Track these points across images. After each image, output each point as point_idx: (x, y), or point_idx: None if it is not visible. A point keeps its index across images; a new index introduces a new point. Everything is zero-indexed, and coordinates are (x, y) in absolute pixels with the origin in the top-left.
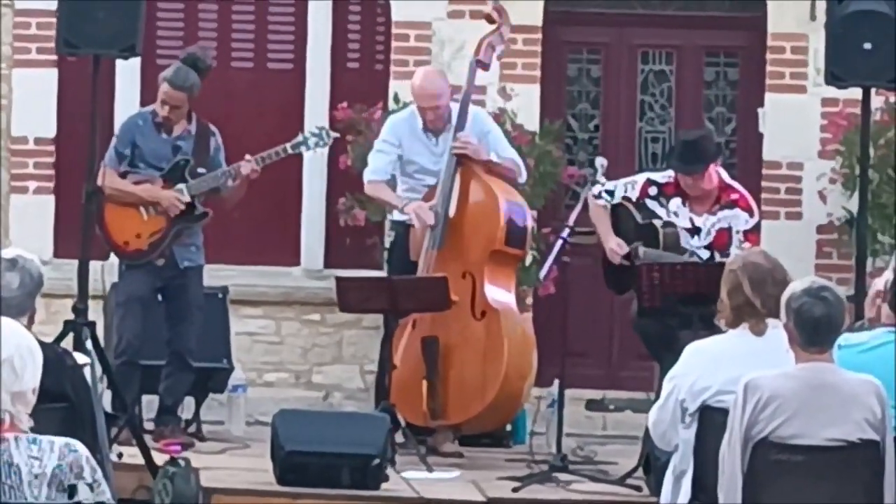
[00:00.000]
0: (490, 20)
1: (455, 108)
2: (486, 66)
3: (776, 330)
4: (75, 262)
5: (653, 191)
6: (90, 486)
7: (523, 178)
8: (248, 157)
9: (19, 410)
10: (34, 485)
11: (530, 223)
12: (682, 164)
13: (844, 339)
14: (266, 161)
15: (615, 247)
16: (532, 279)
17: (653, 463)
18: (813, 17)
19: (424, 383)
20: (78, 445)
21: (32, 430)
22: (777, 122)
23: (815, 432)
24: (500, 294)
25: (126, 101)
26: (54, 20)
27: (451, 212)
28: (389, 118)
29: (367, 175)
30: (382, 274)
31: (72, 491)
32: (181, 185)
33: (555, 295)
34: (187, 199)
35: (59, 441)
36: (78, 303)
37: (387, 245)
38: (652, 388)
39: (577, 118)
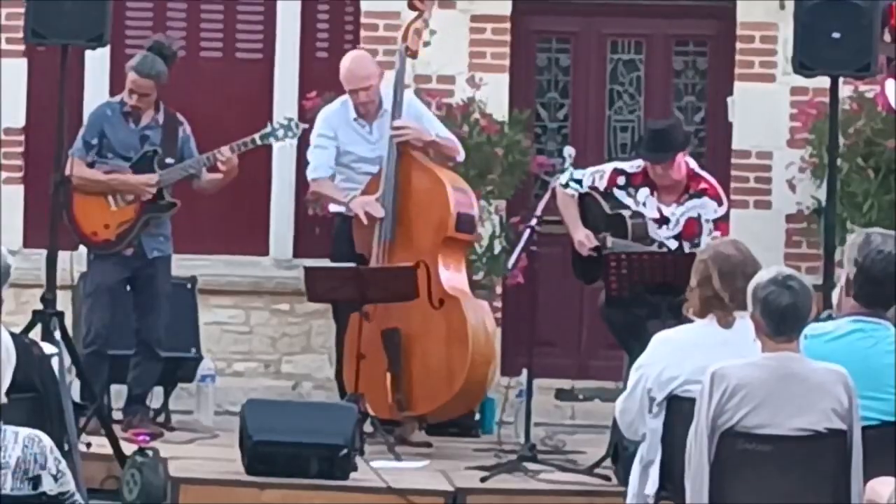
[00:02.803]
0: (412, 7)
1: (388, 96)
2: (415, 54)
3: (744, 320)
4: (45, 252)
5: (621, 181)
6: (54, 477)
7: (461, 156)
8: (220, 148)
9: None
10: None
11: (476, 207)
12: (651, 152)
13: (811, 328)
14: (234, 152)
15: (584, 239)
16: (500, 269)
17: (621, 452)
18: (782, 7)
19: (388, 375)
20: (42, 436)
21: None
22: (746, 111)
23: (781, 422)
24: (455, 280)
25: (95, 91)
26: (23, 10)
27: (398, 202)
28: (321, 111)
29: (310, 173)
30: (351, 264)
31: (36, 481)
32: (150, 175)
33: (523, 284)
34: (156, 180)
35: (23, 432)
36: (46, 293)
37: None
38: (621, 377)
39: (547, 107)
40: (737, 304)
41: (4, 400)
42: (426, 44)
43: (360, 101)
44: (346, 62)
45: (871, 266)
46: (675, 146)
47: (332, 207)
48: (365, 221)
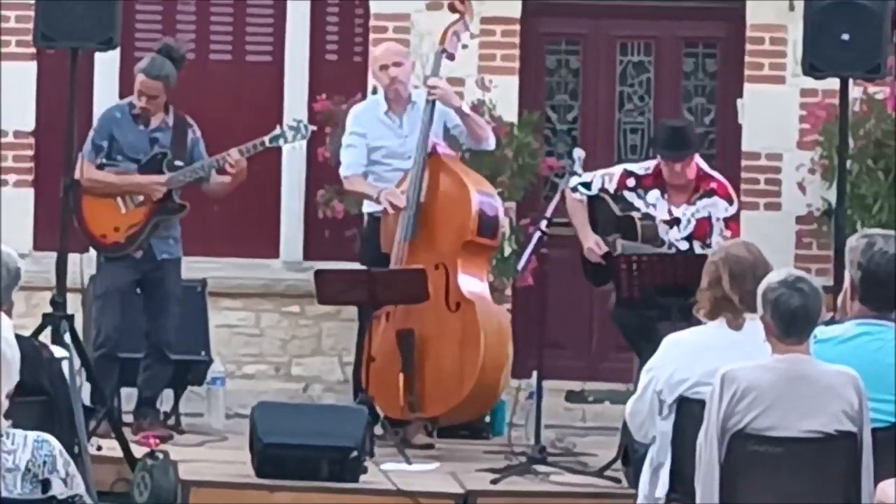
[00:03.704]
0: (453, 9)
1: (420, 98)
2: (452, 56)
3: (754, 322)
4: (55, 255)
5: (631, 182)
6: (63, 481)
7: (492, 141)
8: (229, 150)
9: None
10: (8, 479)
11: (502, 213)
12: (669, 150)
13: (820, 332)
14: (244, 154)
15: (593, 246)
16: (510, 271)
17: (631, 455)
18: (792, 8)
19: (401, 377)
20: (51, 440)
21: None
22: (756, 112)
23: (792, 424)
24: (473, 284)
25: (105, 93)
26: (33, 13)
27: (422, 201)
28: (352, 110)
29: (343, 171)
30: (361, 266)
31: (45, 485)
32: (160, 176)
33: (533, 286)
34: (166, 179)
35: (32, 435)
36: (56, 296)
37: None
38: (631, 379)
39: (556, 109)
40: (747, 305)
41: (6, 403)
42: (464, 47)
43: (392, 76)
44: (380, 46)
45: (876, 269)
46: (694, 144)
47: (365, 208)
48: (390, 211)
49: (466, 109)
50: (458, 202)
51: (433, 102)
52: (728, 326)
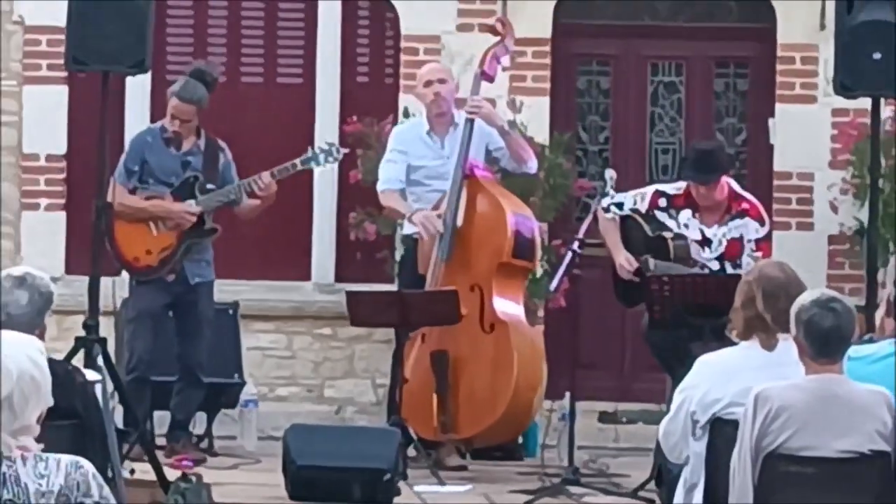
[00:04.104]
0: (494, 32)
1: (460, 118)
2: (490, 78)
3: (787, 342)
4: (87, 279)
5: (662, 202)
6: None
7: (534, 163)
8: (261, 174)
9: (23, 440)
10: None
11: (538, 235)
12: (697, 172)
13: (853, 351)
14: (275, 177)
15: (624, 262)
16: (543, 291)
17: (665, 475)
18: (822, 27)
19: (435, 397)
20: (84, 463)
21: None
22: (787, 132)
23: (825, 444)
24: (508, 306)
25: (136, 116)
26: (64, 37)
27: (459, 224)
28: (394, 130)
29: (380, 185)
30: (393, 288)
31: None
32: (191, 201)
33: (566, 307)
34: (198, 210)
35: (66, 459)
36: (89, 319)
37: (398, 259)
38: (664, 399)
39: (588, 130)
40: (780, 325)
41: (37, 426)
42: (504, 69)
43: (436, 91)
44: (426, 66)
45: None
46: (722, 168)
47: (404, 230)
48: (425, 236)
49: (507, 127)
50: (495, 224)
51: (472, 121)
52: (761, 346)
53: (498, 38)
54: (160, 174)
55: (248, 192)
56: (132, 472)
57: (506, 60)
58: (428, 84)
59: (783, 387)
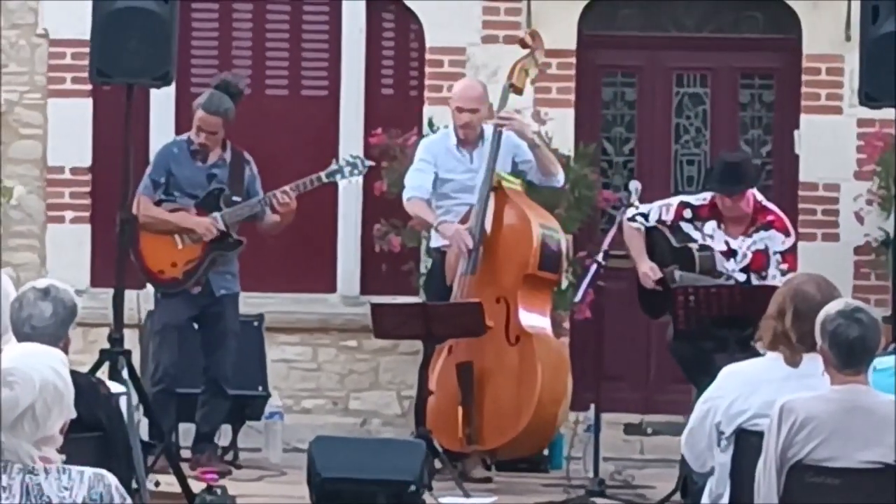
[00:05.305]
0: (524, 45)
1: (489, 130)
2: (519, 91)
3: (811, 357)
4: (112, 291)
5: (687, 214)
6: None
7: (561, 178)
8: (284, 188)
9: (46, 450)
10: None
11: (564, 247)
12: (723, 184)
13: (878, 362)
14: (300, 190)
15: (648, 270)
16: (568, 303)
17: (690, 487)
18: (848, 38)
19: (460, 409)
20: (108, 475)
21: (65, 459)
22: (813, 143)
23: (850, 455)
24: (534, 319)
25: (161, 129)
26: (88, 50)
27: (486, 236)
28: (422, 141)
29: (406, 193)
30: (418, 300)
31: None
32: (216, 214)
33: (591, 319)
34: (221, 225)
35: (89, 471)
36: (113, 332)
37: (423, 271)
38: (689, 411)
39: (612, 141)
40: (805, 346)
41: (60, 438)
42: (533, 81)
43: (463, 121)
44: (462, 82)
45: None
46: (748, 180)
47: (432, 243)
48: (454, 248)
49: (537, 140)
50: (521, 236)
51: (500, 133)
52: (785, 362)
53: (527, 50)
54: (186, 186)
55: (269, 206)
56: (157, 484)
57: (534, 73)
58: (459, 110)
59: (808, 398)
